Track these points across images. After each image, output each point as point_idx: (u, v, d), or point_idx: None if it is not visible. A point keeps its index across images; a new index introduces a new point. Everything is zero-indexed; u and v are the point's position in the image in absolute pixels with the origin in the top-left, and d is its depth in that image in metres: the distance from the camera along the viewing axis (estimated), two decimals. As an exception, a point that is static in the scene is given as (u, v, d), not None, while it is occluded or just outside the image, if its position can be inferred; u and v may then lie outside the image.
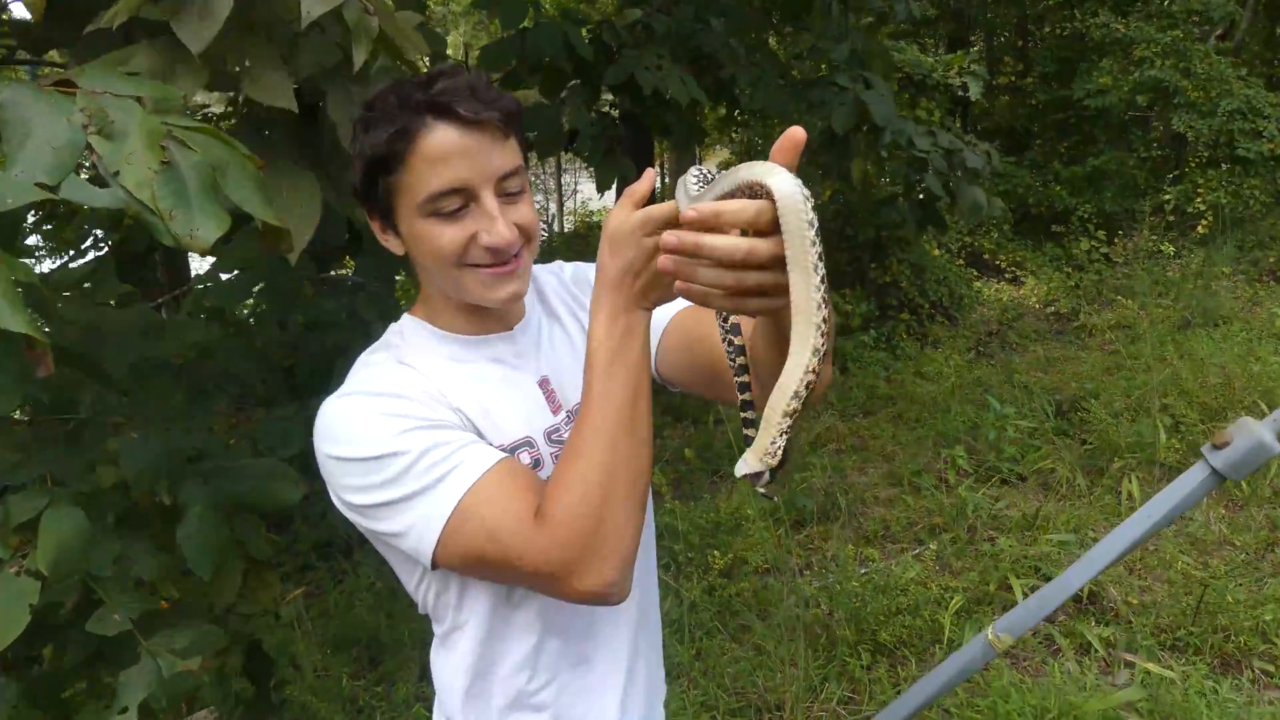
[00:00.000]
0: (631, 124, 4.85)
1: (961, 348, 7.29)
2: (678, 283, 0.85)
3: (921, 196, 5.39)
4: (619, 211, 0.97)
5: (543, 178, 16.31)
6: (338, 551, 4.37)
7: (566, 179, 16.31)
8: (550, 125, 4.35)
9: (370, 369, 1.14)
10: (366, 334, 2.93)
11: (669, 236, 0.82)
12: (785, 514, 4.44)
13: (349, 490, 1.05)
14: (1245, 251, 9.03)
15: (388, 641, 3.64)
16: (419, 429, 1.04)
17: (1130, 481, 4.36)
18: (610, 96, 4.72)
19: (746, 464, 0.80)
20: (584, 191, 16.60)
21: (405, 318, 1.22)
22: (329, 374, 2.85)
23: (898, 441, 5.45)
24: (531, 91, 4.42)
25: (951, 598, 3.46)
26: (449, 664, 1.21)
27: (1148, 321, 7.04)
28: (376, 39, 1.40)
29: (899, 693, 2.99)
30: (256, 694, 2.53)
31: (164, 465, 1.44)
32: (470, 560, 1.03)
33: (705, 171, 0.92)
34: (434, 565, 1.05)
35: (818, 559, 4.17)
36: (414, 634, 3.61)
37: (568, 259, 1.39)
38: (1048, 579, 3.63)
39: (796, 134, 0.79)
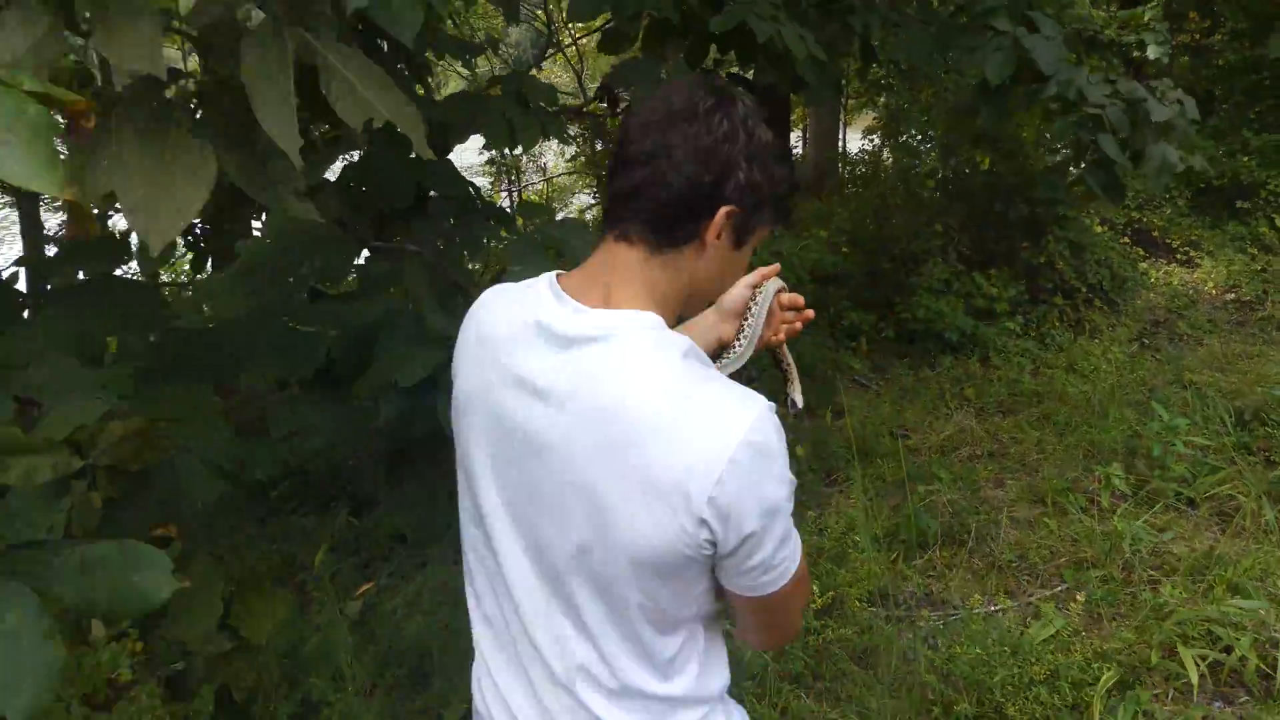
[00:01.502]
0: (748, 84, 4.28)
1: (1123, 338, 6.42)
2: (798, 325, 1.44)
3: (1097, 160, 4.57)
4: None
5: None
6: (414, 544, 4.02)
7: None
8: (652, 81, 3.83)
9: (711, 372, 1.05)
10: (414, 311, 2.43)
11: (809, 314, 1.45)
12: (905, 534, 3.85)
13: (776, 540, 1.01)
14: None
15: (442, 659, 3.25)
16: None
17: (1334, 521, 3.59)
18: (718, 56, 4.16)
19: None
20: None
21: (656, 319, 1.05)
22: (368, 353, 2.44)
23: (1042, 450, 4.75)
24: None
25: (1101, 669, 2.82)
26: (696, 677, 1.13)
27: (1354, 317, 6.01)
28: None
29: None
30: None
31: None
32: (794, 582, 1.06)
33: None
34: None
35: (939, 589, 3.58)
36: (469, 653, 3.21)
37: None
38: (1227, 651, 2.95)
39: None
